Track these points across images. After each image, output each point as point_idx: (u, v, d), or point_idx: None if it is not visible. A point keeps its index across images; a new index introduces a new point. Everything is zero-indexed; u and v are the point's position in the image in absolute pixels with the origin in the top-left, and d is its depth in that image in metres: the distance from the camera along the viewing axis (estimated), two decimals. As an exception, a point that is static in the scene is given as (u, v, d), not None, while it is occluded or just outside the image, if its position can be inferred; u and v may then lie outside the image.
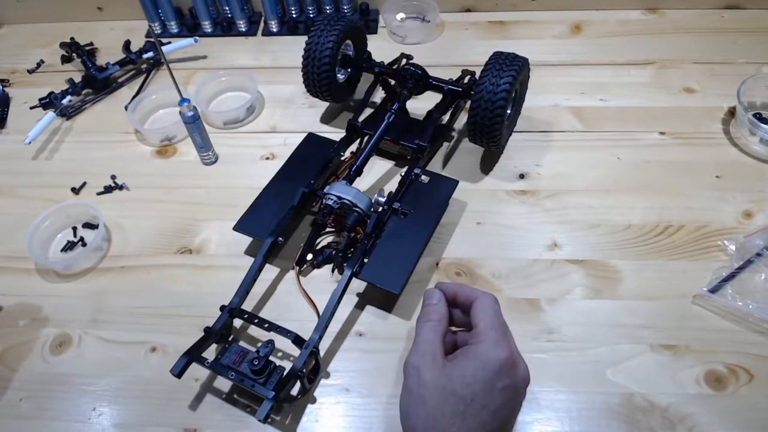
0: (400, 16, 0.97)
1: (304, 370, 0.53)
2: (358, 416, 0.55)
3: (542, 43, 0.91)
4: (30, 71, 0.94)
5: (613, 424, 0.54)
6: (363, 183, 0.73)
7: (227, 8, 0.97)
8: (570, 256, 0.66)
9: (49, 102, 0.85)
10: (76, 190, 0.76)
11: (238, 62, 0.93)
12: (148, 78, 0.92)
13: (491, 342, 0.46)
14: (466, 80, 0.78)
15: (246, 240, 0.68)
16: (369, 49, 0.82)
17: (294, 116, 0.84)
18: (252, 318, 0.58)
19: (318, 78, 0.75)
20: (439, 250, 0.67)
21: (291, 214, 0.65)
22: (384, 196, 0.66)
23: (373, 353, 0.59)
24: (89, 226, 0.73)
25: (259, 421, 0.50)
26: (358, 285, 0.63)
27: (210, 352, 0.57)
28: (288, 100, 0.86)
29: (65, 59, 0.94)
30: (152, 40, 0.94)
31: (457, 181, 0.68)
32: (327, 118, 0.83)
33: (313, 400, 0.56)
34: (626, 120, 0.79)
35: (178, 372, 0.53)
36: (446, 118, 0.78)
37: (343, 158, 0.74)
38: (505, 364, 0.45)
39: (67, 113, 0.86)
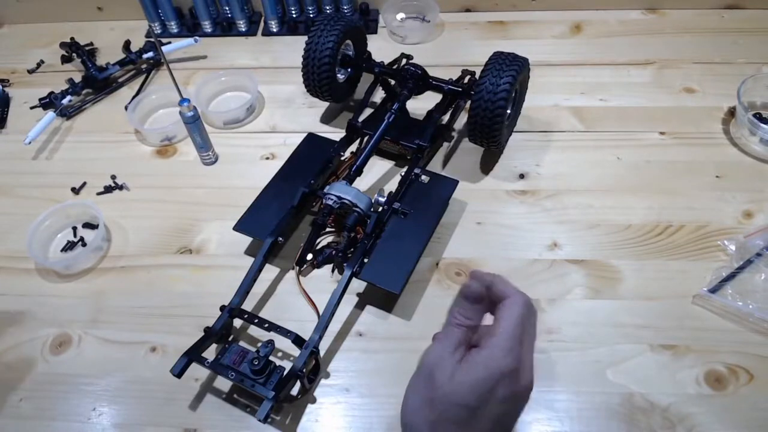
0: (400, 16, 0.97)
1: (304, 370, 0.53)
2: (358, 416, 0.55)
3: (542, 43, 0.91)
4: (30, 71, 0.94)
5: (613, 424, 0.54)
6: (363, 183, 0.73)
7: (227, 8, 0.97)
8: (570, 256, 0.66)
9: (49, 102, 0.85)
10: (76, 190, 0.76)
11: (238, 62, 0.93)
12: (148, 78, 0.92)
13: (502, 350, 0.45)
14: (466, 80, 0.78)
15: (246, 240, 0.68)
16: (369, 49, 0.82)
17: (294, 116, 0.84)
18: (252, 318, 0.58)
19: (318, 78, 0.75)
20: (439, 250, 0.67)
21: (291, 214, 0.65)
22: (384, 196, 0.66)
23: (373, 353, 0.59)
24: (89, 226, 0.73)
25: (259, 421, 0.50)
26: (358, 285, 0.63)
27: (210, 352, 0.57)
28: (288, 100, 0.86)
29: (65, 59, 0.94)
30: (152, 40, 0.94)
31: (457, 181, 0.68)
32: (327, 118, 0.83)
33: (313, 400, 0.56)
34: (626, 120, 0.79)
35: (178, 372, 0.53)
36: (446, 118, 0.78)
37: (343, 158, 0.74)
38: (509, 373, 0.44)
39: (67, 113, 0.86)
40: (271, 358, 0.54)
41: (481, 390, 0.44)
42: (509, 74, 0.66)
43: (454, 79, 0.77)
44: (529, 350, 0.47)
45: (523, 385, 0.46)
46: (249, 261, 0.63)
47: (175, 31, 0.98)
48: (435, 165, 0.76)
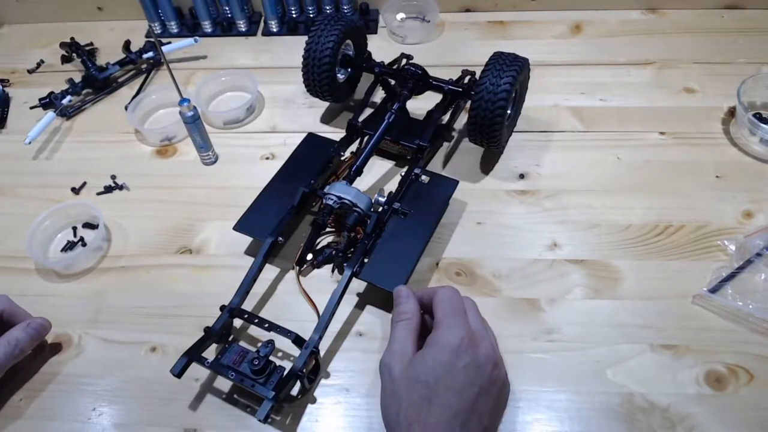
0: (400, 16, 0.97)
1: (304, 370, 0.53)
2: (358, 416, 0.55)
3: (542, 43, 0.91)
4: (30, 71, 0.94)
5: (613, 424, 0.54)
6: (363, 183, 0.72)
7: (227, 8, 0.97)
8: (570, 256, 0.66)
9: (49, 102, 0.85)
10: (76, 190, 0.76)
11: (238, 62, 0.93)
12: (148, 78, 0.92)
13: (446, 327, 0.49)
14: (466, 80, 0.78)
15: (246, 240, 0.68)
16: (369, 49, 0.82)
17: (294, 116, 0.84)
18: (252, 318, 0.58)
19: (318, 78, 0.75)
20: (439, 250, 0.67)
21: (291, 214, 0.65)
22: (384, 196, 0.66)
23: (373, 353, 0.59)
24: (89, 226, 0.73)
25: (259, 421, 0.50)
26: (358, 285, 0.63)
27: (210, 352, 0.57)
28: (288, 100, 0.86)
29: (65, 59, 0.94)
30: (152, 40, 0.94)
31: (457, 181, 0.68)
32: (327, 118, 0.83)
33: (313, 400, 0.56)
34: (626, 120, 0.79)
35: (178, 372, 0.53)
36: (446, 118, 0.78)
37: (343, 158, 0.74)
38: (461, 343, 0.47)
39: (67, 113, 0.86)
40: (271, 358, 0.54)
41: (436, 365, 0.47)
42: (509, 74, 0.66)
43: (454, 79, 0.77)
44: (477, 324, 0.51)
45: (483, 353, 0.48)
46: (249, 261, 0.63)
47: (175, 31, 0.98)
48: (435, 165, 0.76)
